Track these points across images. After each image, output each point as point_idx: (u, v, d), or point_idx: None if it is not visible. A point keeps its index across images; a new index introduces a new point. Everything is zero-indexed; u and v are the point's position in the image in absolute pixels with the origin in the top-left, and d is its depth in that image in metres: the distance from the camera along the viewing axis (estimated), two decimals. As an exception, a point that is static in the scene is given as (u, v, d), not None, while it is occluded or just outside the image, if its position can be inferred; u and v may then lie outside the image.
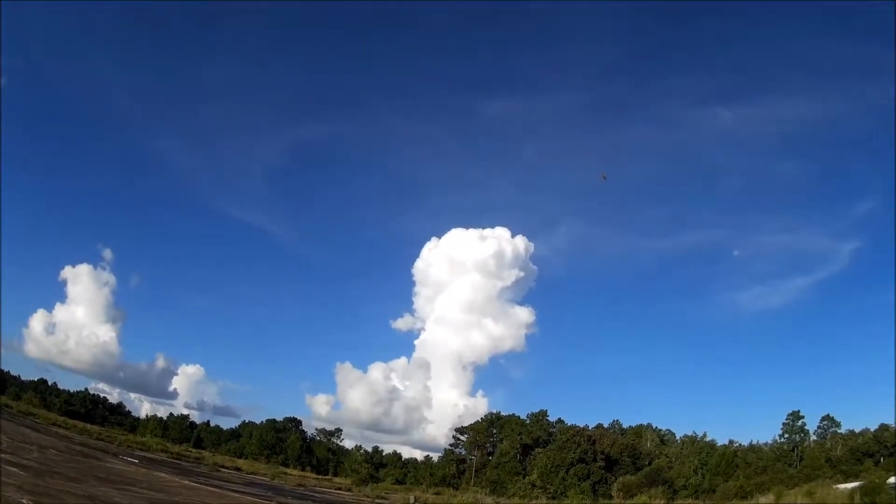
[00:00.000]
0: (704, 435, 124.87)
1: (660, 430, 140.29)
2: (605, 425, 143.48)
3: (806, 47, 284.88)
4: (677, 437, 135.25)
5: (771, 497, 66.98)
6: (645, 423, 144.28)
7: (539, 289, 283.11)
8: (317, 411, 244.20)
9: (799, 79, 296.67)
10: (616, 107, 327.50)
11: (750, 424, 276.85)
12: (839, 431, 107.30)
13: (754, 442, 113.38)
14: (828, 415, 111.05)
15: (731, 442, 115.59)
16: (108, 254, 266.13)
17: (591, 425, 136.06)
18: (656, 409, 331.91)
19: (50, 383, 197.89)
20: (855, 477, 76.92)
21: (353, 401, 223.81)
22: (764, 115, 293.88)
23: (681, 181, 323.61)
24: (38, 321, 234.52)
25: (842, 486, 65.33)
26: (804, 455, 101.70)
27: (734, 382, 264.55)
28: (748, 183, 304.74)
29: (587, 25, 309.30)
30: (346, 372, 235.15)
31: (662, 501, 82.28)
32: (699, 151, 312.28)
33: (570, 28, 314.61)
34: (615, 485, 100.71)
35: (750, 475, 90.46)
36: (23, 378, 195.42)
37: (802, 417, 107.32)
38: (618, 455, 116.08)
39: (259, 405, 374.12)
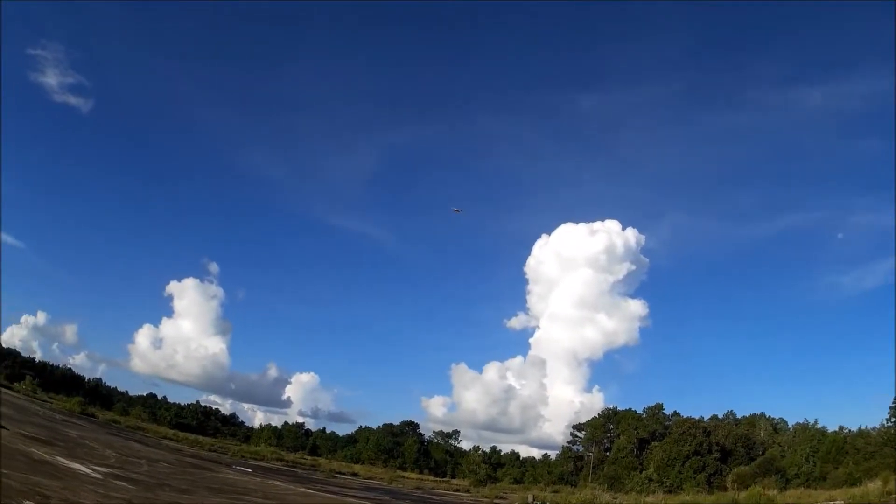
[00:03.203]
0: (815, 422, 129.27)
1: (772, 418, 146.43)
2: (720, 416, 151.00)
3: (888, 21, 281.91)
4: (789, 426, 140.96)
5: (878, 483, 71.63)
6: (758, 412, 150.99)
7: (650, 281, 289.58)
8: (433, 413, 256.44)
9: (882, 54, 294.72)
10: (706, 94, 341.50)
11: (859, 409, 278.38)
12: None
13: (863, 427, 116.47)
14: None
15: (840, 428, 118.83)
16: (213, 267, 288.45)
17: (706, 417, 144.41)
18: (768, 398, 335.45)
19: (159, 397, 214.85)
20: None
21: (469, 401, 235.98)
22: (850, 93, 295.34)
23: (775, 164, 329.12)
24: (144, 336, 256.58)
25: (947, 469, 70.08)
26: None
27: (843, 367, 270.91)
28: (840, 162, 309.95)
29: (671, 15, 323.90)
30: (461, 373, 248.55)
31: (774, 491, 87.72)
32: (790, 133, 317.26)
33: (654, 19, 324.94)
34: (729, 476, 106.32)
35: (859, 461, 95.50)
36: (130, 394, 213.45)
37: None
38: (732, 446, 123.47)
39: (374, 410, 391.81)
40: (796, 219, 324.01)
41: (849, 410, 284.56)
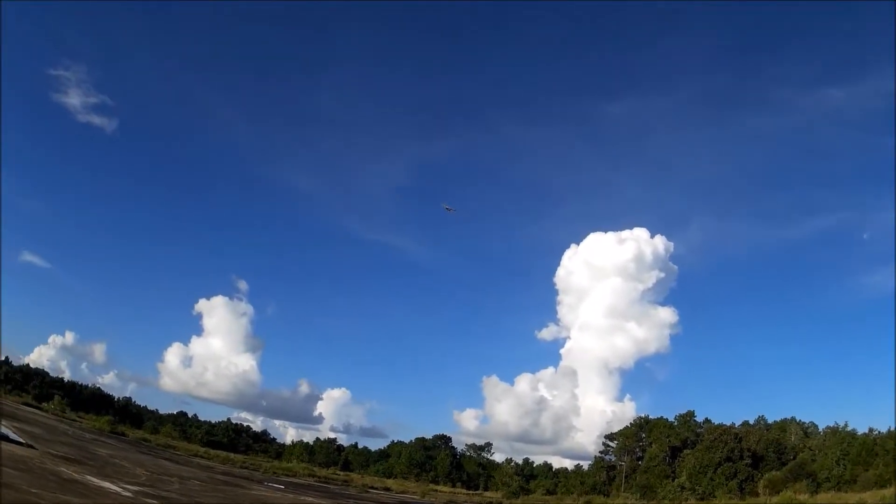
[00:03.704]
0: (846, 425, 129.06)
1: (803, 423, 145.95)
2: (751, 422, 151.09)
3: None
4: (820, 429, 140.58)
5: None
6: (789, 416, 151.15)
7: (680, 288, 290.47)
8: (465, 426, 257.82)
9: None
10: (730, 96, 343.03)
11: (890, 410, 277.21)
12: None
13: (892, 428, 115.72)
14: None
15: (870, 430, 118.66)
16: (242, 285, 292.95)
17: (737, 423, 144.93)
18: (799, 402, 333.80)
19: (189, 416, 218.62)
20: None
21: (502, 414, 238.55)
22: (873, 91, 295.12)
23: (801, 165, 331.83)
24: (173, 355, 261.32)
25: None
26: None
27: (872, 367, 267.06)
28: (866, 161, 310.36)
29: (694, 17, 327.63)
30: (492, 385, 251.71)
31: (806, 495, 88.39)
32: (815, 133, 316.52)
33: (678, 22, 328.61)
34: (761, 482, 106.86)
35: (889, 462, 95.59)
36: (160, 412, 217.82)
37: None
38: (763, 451, 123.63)
39: (407, 424, 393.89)
40: (823, 220, 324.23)
41: (880, 411, 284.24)
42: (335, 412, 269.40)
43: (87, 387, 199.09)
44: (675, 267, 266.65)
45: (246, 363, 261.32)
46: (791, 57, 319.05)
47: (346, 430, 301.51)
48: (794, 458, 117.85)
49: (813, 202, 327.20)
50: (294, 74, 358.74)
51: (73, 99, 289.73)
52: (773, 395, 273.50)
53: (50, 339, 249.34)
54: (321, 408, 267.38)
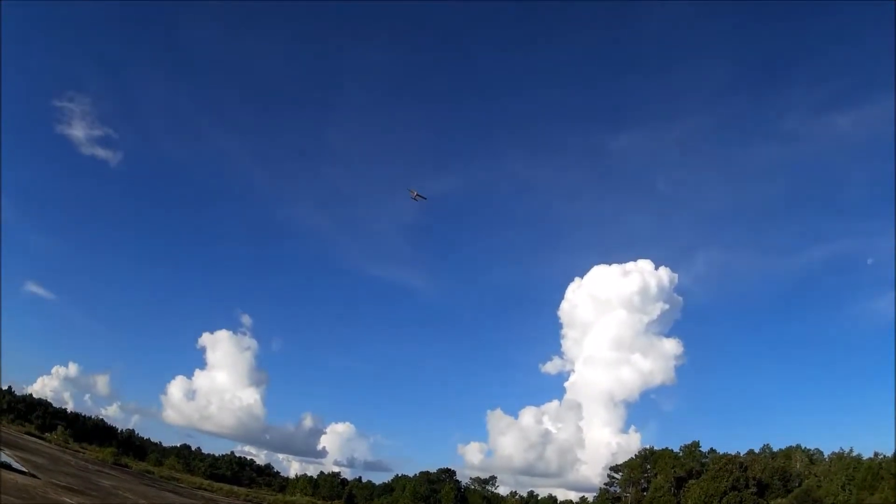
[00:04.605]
0: (851, 450, 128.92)
1: (808, 450, 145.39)
2: (756, 450, 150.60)
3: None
4: (825, 455, 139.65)
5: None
6: (794, 444, 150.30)
7: (684, 319, 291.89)
8: (469, 460, 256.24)
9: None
10: (736, 126, 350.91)
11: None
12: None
13: None
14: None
15: (875, 454, 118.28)
16: (246, 319, 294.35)
17: (743, 451, 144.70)
18: (805, 429, 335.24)
19: (193, 448, 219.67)
20: None
21: (506, 447, 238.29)
22: (878, 117, 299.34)
23: (808, 193, 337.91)
24: (176, 388, 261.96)
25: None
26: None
27: (880, 392, 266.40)
28: (872, 187, 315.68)
29: (699, 48, 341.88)
30: (497, 419, 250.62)
31: None
32: (822, 161, 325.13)
33: (683, 53, 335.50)
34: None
35: (894, 486, 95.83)
36: (164, 444, 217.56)
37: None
38: (769, 479, 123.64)
39: (411, 458, 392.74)
40: (828, 248, 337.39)
41: (886, 435, 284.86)
42: (339, 446, 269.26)
43: (90, 418, 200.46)
44: (680, 298, 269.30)
45: (250, 397, 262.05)
46: (797, 85, 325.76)
47: (351, 463, 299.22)
48: (800, 486, 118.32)
49: (817, 230, 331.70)
50: (301, 109, 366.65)
51: (78, 131, 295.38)
52: (778, 422, 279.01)
53: (53, 370, 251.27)
54: (325, 441, 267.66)
